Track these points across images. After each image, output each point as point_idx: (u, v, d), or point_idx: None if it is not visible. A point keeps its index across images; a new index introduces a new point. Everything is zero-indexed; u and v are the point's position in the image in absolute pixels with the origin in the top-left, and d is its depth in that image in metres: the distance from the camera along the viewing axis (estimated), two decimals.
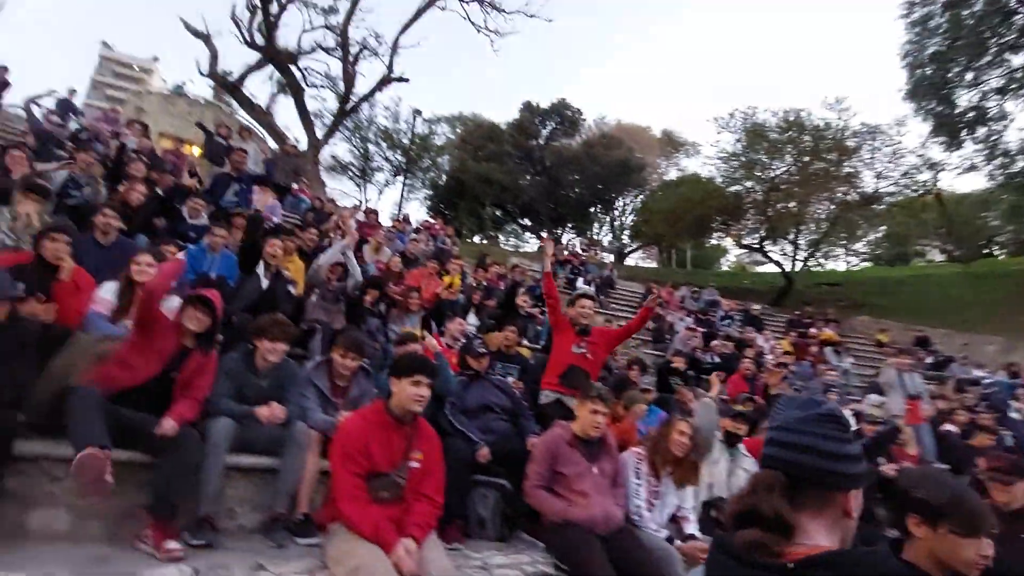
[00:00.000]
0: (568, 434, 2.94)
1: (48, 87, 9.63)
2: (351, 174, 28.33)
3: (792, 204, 18.35)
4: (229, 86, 16.69)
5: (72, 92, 10.30)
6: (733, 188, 19.48)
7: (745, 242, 21.40)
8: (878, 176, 18.24)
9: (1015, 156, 18.22)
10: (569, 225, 30.44)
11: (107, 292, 3.19)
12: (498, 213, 28.14)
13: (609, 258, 28.11)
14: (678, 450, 3.05)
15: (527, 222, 30.09)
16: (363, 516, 2.16)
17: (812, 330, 11.78)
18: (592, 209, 29.66)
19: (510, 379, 4.51)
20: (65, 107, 9.43)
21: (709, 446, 3.45)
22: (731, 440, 3.59)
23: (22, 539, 2.25)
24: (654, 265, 33.23)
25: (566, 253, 15.08)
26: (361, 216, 10.81)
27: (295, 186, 11.45)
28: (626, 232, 31.68)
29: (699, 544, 2.87)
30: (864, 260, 31.00)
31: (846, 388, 8.23)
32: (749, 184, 19.09)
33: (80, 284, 3.19)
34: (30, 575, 1.85)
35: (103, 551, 2.31)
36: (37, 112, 8.38)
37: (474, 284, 7.55)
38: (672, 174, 30.81)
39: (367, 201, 28.21)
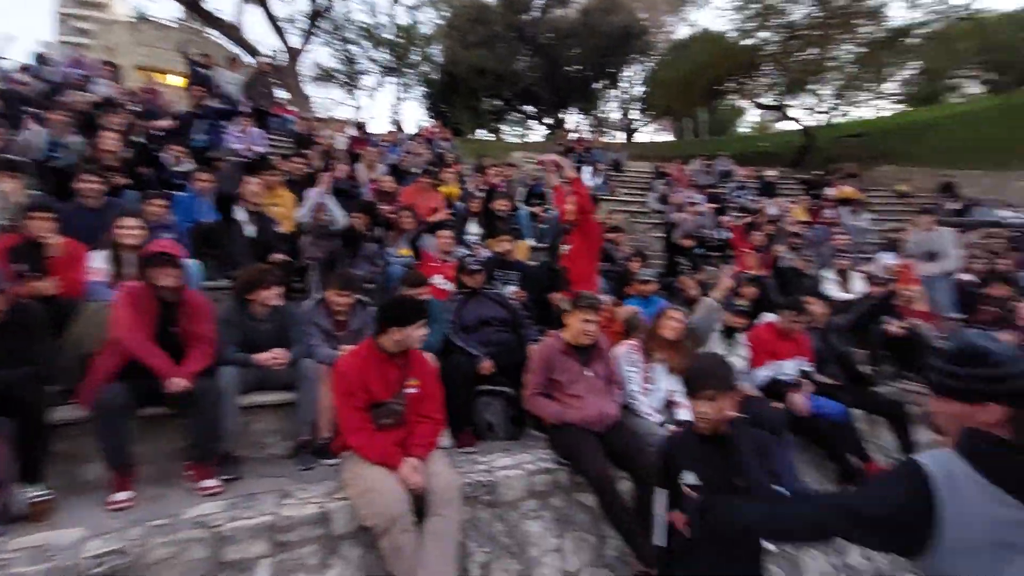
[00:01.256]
0: (560, 343, 3.05)
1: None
2: (339, 81, 26.86)
3: (813, 51, 16.84)
4: (188, 2, 15.49)
5: (46, 45, 9.74)
6: (747, 41, 17.86)
7: (762, 101, 20.07)
8: (911, 4, 16.42)
9: None
10: (575, 107, 28.79)
11: (99, 260, 3.28)
12: (496, 103, 26.64)
13: (620, 137, 26.94)
14: (669, 334, 3.20)
15: (530, 109, 28.53)
16: (369, 443, 2.37)
17: (829, 190, 11.38)
18: (597, 86, 27.76)
19: (511, 288, 4.60)
20: (40, 60, 8.97)
21: (704, 342, 3.55)
22: (729, 332, 3.68)
23: (81, 491, 2.56)
24: (670, 138, 31.74)
25: (571, 139, 14.45)
26: (352, 131, 10.47)
27: (277, 106, 11.01)
28: (635, 106, 29.91)
29: None
30: (897, 102, 28.87)
31: (860, 248, 8.11)
32: (765, 35, 17.45)
33: (74, 254, 3.28)
34: (88, 529, 2.12)
35: (158, 491, 2.62)
36: (3, 67, 8.02)
37: (473, 190, 7.41)
38: (683, 32, 28.23)
39: (359, 109, 27.08)
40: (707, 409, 1.82)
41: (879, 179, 14.59)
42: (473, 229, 6.27)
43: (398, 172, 7.25)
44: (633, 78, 28.30)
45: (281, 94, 16.04)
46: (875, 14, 16.60)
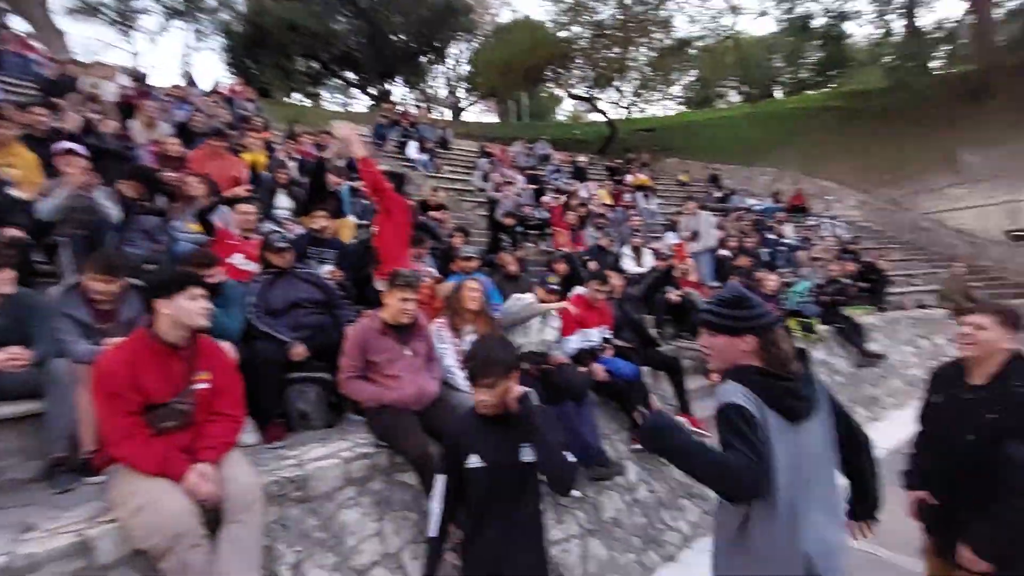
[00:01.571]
0: (377, 323, 2.95)
1: None
2: (107, 18, 21.99)
3: (616, 50, 18.73)
4: None
5: None
6: (562, 34, 19.13)
7: (575, 92, 21.75)
8: (691, 20, 19.24)
9: (795, 0, 20.23)
10: (400, 78, 27.86)
11: None
12: (313, 66, 24.48)
13: (447, 114, 26.89)
14: (472, 304, 3.33)
15: (352, 76, 26.80)
16: (144, 453, 2.01)
17: (628, 176, 12.90)
18: (423, 59, 27.18)
19: (327, 267, 4.31)
20: None
21: (511, 326, 3.76)
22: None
23: None
24: (494, 119, 32.65)
25: (397, 112, 13.95)
26: (125, 80, 8.68)
27: (16, 40, 8.63)
28: (462, 84, 30.09)
29: None
30: (680, 104, 33.85)
31: (651, 228, 9.39)
32: (577, 30, 18.87)
33: None
34: None
35: None
36: None
37: (284, 159, 6.71)
38: (506, 16, 29.00)
39: (136, 55, 22.69)
40: (487, 397, 1.81)
41: (665, 169, 16.96)
42: (282, 203, 5.71)
43: (187, 133, 6.22)
44: (460, 56, 28.38)
45: (20, 26, 12.60)
46: (665, 24, 19.05)
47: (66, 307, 2.70)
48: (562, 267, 4.93)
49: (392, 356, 2.90)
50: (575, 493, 3.33)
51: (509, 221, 7.61)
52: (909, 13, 18.62)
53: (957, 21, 18.87)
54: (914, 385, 6.87)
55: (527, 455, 1.84)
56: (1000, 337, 2.04)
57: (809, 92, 25.08)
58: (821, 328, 6.79)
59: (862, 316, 7.55)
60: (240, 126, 7.63)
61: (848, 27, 21.64)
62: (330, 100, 29.07)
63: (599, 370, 3.94)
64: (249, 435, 2.92)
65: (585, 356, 4.12)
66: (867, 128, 17.72)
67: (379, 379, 2.88)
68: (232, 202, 4.40)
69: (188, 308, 2.15)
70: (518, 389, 1.85)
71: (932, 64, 18.70)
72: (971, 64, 18.02)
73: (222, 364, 2.37)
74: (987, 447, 1.97)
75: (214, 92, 9.98)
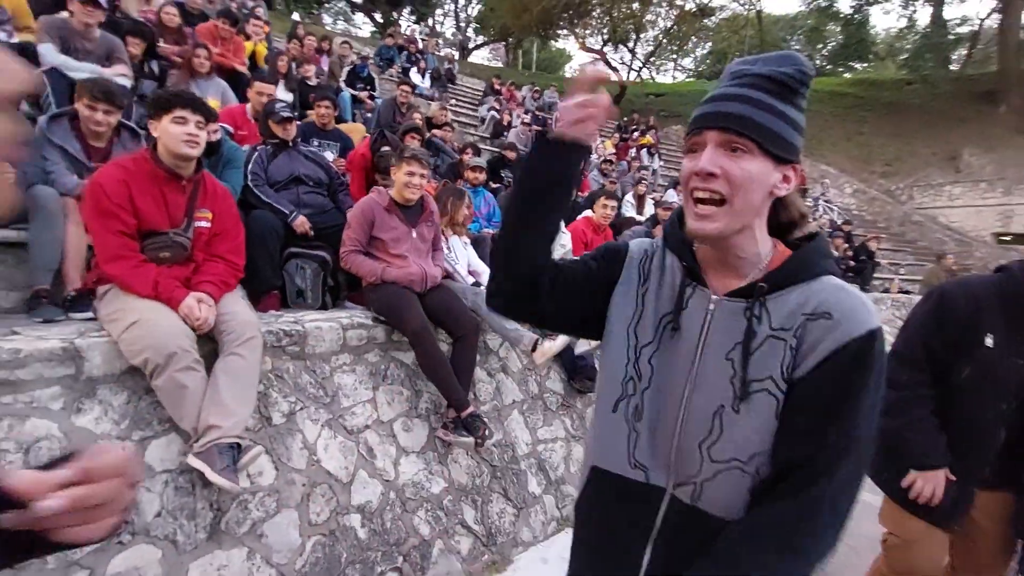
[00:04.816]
0: (385, 200, 2.84)
1: None
2: None
3: (636, 5, 18.11)
4: None
5: None
6: None
7: (589, 44, 21.12)
8: None
9: None
10: (407, 10, 26.65)
11: None
12: None
13: (452, 53, 25.90)
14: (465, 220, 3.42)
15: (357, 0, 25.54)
16: (136, 273, 1.92)
17: (635, 135, 12.69)
18: None
19: (329, 155, 4.14)
20: None
21: None
22: None
23: None
24: (499, 65, 31.67)
25: (403, 38, 13.34)
26: None
27: None
28: (471, 26, 28.98)
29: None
30: (689, 76, 33.23)
31: (654, 183, 9.30)
32: None
33: None
34: None
35: None
36: None
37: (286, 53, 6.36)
38: None
39: None
40: None
41: (670, 135, 16.72)
42: (281, 94, 5.44)
43: (183, 11, 5.81)
44: None
45: None
46: None
47: (55, 136, 2.52)
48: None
49: (398, 235, 2.81)
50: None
51: (512, 155, 7.42)
52: (938, 2, 18.28)
53: (982, 19, 18.63)
54: None
55: None
56: None
57: (822, 78, 24.77)
58: None
59: None
60: (243, 13, 7.18)
61: (873, 13, 21.30)
62: (331, 26, 27.75)
63: None
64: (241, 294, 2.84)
65: None
66: (874, 119, 17.66)
67: (384, 257, 2.79)
68: (239, 81, 4.15)
69: (172, 131, 2.01)
70: None
71: (950, 59, 18.54)
72: (988, 67, 17.93)
73: (226, 207, 2.25)
74: None
75: None
